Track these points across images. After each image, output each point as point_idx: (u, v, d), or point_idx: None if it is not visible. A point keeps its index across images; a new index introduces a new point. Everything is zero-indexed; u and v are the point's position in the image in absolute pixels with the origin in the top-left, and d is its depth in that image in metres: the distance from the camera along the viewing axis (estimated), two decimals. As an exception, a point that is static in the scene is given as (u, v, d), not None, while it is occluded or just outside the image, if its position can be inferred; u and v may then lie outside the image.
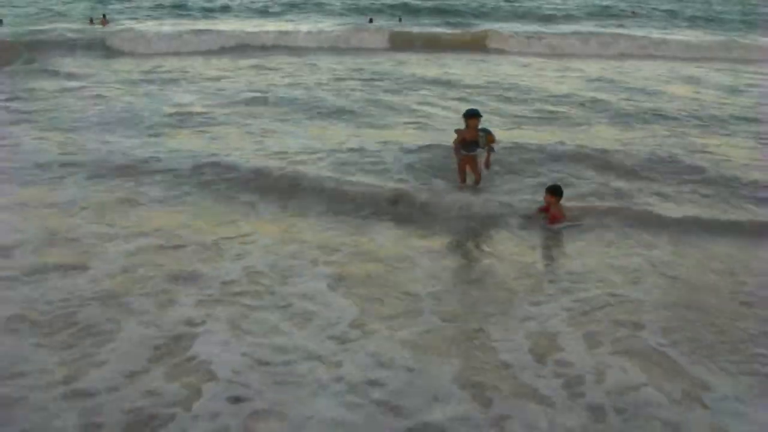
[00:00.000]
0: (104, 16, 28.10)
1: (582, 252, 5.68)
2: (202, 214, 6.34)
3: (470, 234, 6.07)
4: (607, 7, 46.28)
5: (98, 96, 12.12)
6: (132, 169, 7.48)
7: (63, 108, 11.05)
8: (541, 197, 6.38)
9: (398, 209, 6.46)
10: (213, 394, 3.72)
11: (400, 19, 30.79)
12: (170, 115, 10.49)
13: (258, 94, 12.25)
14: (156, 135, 9.23)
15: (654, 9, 51.61)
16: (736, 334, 4.42)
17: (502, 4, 44.15)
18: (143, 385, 3.79)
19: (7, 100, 11.65)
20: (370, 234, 5.89)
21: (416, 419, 3.57)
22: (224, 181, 7.14)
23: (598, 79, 15.50)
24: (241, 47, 20.07)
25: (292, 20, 30.43)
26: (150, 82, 13.82)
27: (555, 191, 6.08)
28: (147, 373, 3.89)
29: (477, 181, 7.31)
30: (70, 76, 14.51)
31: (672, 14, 43.37)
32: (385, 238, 5.83)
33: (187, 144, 8.74)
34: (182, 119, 10.22)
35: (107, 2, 36.83)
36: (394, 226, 6.15)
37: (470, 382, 3.88)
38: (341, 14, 33.84)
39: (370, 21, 32.21)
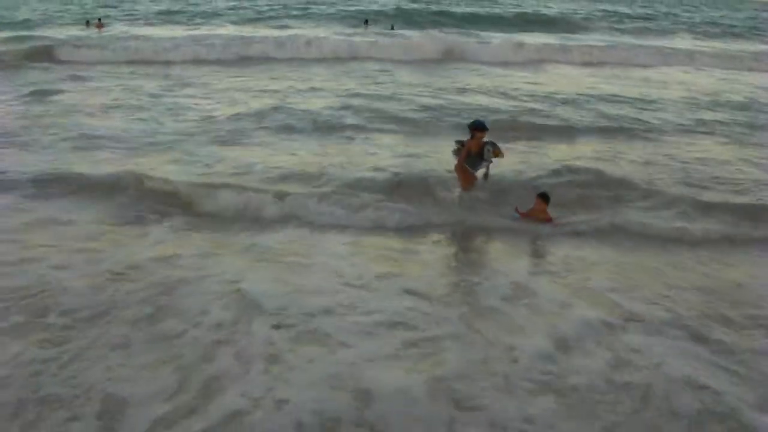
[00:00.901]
0: (99, 19, 29.46)
1: (555, 240, 7.01)
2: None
3: (463, 228, 7.30)
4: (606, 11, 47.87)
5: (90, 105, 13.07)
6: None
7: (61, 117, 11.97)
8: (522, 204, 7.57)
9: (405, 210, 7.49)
10: (262, 323, 5.04)
11: (392, 27, 32.18)
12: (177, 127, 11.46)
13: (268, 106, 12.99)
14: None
15: (656, 12, 53.43)
16: (660, 287, 5.97)
17: (498, 9, 45.65)
18: (209, 320, 5.11)
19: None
20: (383, 231, 7.15)
21: (429, 344, 4.91)
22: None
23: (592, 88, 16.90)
24: (243, 56, 20.67)
25: (287, 26, 31.54)
26: (139, 92, 14.62)
27: (546, 197, 7.24)
28: (210, 312, 5.22)
29: (472, 185, 7.81)
30: (60, 84, 15.37)
31: (674, 20, 45.02)
32: (393, 232, 7.10)
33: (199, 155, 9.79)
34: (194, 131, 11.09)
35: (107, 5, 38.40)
36: (400, 215, 7.42)
37: (471, 321, 5.28)
38: (333, 19, 34.75)
39: (366, 23, 33.71)
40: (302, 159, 9.55)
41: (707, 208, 7.80)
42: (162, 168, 8.81)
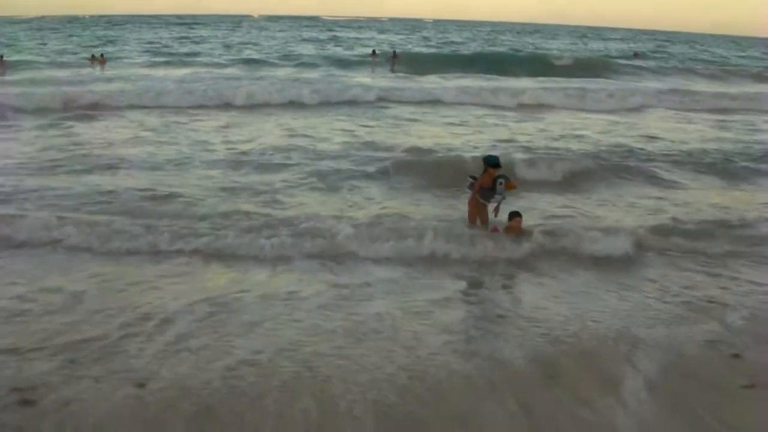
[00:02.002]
0: (102, 55, 31.33)
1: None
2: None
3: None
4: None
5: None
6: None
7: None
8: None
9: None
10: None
11: (394, 53, 33.70)
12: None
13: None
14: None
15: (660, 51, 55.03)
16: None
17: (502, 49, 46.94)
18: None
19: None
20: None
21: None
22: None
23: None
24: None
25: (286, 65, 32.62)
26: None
27: (519, 214, 8.34)
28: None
29: (484, 222, 8.45)
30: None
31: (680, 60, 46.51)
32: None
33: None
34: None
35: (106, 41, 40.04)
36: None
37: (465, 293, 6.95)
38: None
39: (373, 53, 35.56)
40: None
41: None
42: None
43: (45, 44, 42.37)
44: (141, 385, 4.67)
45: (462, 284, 7.05)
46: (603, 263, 7.62)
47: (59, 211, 8.44)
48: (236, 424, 4.35)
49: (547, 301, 6.47)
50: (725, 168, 12.94)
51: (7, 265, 6.96)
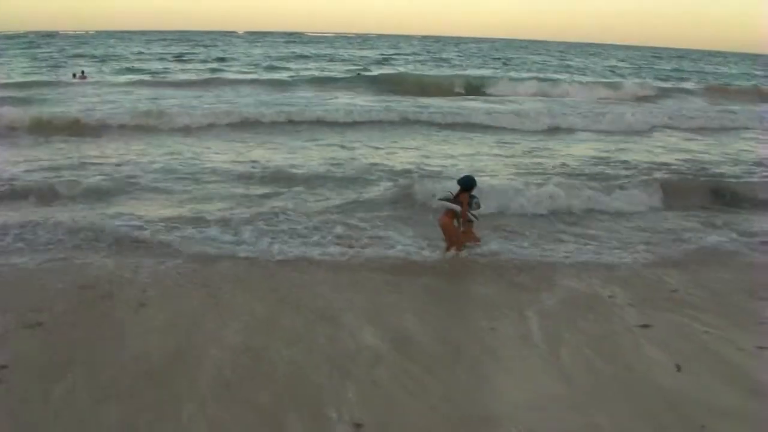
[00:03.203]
0: (83, 72, 32.16)
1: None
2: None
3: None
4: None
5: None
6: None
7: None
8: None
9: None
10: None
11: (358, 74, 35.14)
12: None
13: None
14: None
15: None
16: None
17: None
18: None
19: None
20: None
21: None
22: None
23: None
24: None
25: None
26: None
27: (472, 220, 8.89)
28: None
29: (458, 245, 8.59)
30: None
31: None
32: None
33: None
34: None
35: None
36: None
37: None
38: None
39: (357, 75, 36.56)
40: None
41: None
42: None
43: (24, 60, 42.79)
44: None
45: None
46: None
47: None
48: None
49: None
50: None
51: None
